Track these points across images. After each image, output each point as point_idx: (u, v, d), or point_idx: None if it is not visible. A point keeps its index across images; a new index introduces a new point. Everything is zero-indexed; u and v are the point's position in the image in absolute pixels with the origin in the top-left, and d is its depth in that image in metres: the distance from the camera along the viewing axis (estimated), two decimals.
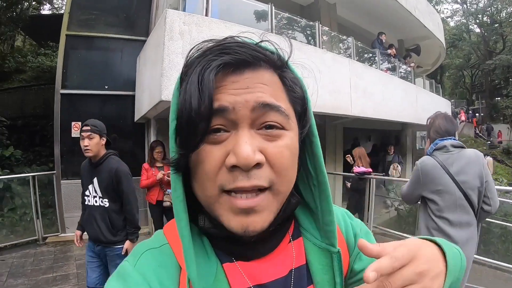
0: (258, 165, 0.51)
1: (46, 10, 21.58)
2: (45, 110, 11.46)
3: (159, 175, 4.89)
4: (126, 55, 7.35)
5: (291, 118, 0.57)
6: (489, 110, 33.83)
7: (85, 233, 3.22)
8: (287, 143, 0.55)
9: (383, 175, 9.35)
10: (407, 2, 10.47)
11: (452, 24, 39.29)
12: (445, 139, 2.68)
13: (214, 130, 0.52)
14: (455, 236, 2.54)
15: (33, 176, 6.49)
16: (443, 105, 12.89)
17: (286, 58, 0.60)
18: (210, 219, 0.58)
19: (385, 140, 12.32)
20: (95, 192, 3.05)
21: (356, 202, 6.87)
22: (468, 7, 35.28)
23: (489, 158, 17.22)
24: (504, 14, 31.58)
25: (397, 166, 9.42)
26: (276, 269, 0.60)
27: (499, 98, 34.92)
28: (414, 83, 10.95)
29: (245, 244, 0.58)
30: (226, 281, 0.56)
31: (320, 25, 7.43)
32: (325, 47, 7.50)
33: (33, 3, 16.33)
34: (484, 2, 33.09)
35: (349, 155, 7.09)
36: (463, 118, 28.07)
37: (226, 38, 0.55)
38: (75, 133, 6.74)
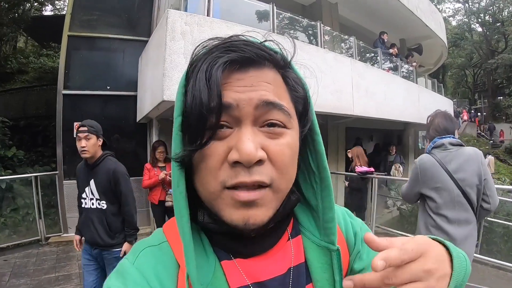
0: (259, 161, 0.52)
1: (48, 11, 21.65)
2: (47, 110, 11.49)
3: (161, 175, 4.90)
4: (128, 56, 7.37)
5: (293, 117, 0.58)
6: (491, 109, 33.72)
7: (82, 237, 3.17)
8: (288, 141, 0.56)
9: (385, 175, 9.33)
10: (409, 2, 10.44)
11: (454, 23, 39.20)
12: (444, 137, 2.71)
13: (218, 126, 0.53)
14: (453, 234, 2.56)
15: (36, 177, 6.51)
16: (445, 105, 12.85)
17: (289, 58, 0.60)
18: (210, 214, 0.59)
19: (387, 140, 12.29)
20: (92, 194, 2.99)
21: (354, 200, 6.85)
22: (470, 6, 35.18)
23: (491, 157, 17.22)
24: (506, 13, 31.50)
25: (399, 167, 9.39)
26: (275, 267, 0.60)
27: (501, 97, 34.84)
28: (416, 83, 10.93)
29: (244, 240, 0.59)
30: (224, 279, 0.57)
31: (321, 24, 7.42)
32: (327, 46, 7.48)
33: (35, 4, 16.40)
34: (486, 1, 33.02)
35: (350, 150, 7.12)
36: (465, 117, 27.97)
37: (232, 36, 0.56)
38: None
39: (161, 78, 4.72)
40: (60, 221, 6.72)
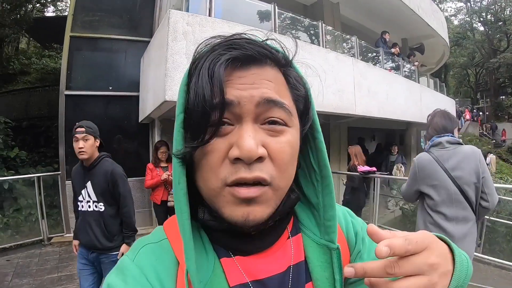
0: (260, 158, 0.52)
1: (49, 12, 21.76)
2: (49, 111, 11.52)
3: (164, 175, 4.91)
4: (130, 56, 7.39)
5: (294, 115, 0.58)
6: (493, 108, 33.64)
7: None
8: (289, 139, 0.56)
9: (387, 175, 9.31)
10: (411, 1, 10.43)
11: (456, 22, 39.10)
12: (442, 136, 2.74)
13: (220, 123, 0.53)
14: (452, 231, 2.59)
15: (38, 177, 6.52)
16: (448, 104, 12.82)
17: (291, 57, 0.61)
18: (210, 212, 0.59)
19: (389, 140, 12.29)
20: (89, 196, 2.91)
21: (352, 199, 6.81)
22: (472, 5, 35.13)
23: (492, 156, 17.19)
24: (508, 12, 31.41)
25: (401, 167, 9.37)
26: (274, 265, 0.60)
27: (503, 97, 34.76)
28: (418, 82, 10.91)
29: (244, 238, 0.59)
30: (224, 276, 0.57)
31: (323, 24, 7.43)
32: (328, 46, 7.48)
33: (37, 5, 16.43)
34: (488, 0, 32.94)
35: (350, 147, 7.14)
36: (468, 117, 27.90)
37: (234, 34, 0.57)
38: None
39: (163, 78, 4.72)
40: (62, 221, 6.73)
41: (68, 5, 15.40)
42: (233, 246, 0.60)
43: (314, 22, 7.57)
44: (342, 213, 0.75)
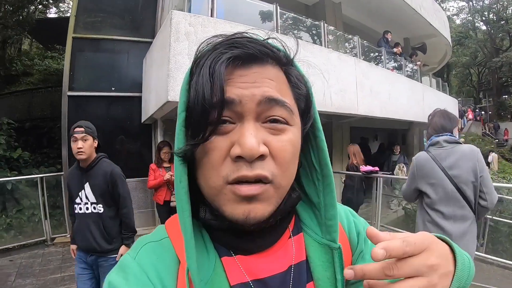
0: (261, 156, 0.52)
1: (52, 13, 21.82)
2: (52, 112, 11.57)
3: (167, 175, 4.91)
4: (132, 57, 7.40)
5: (295, 114, 0.58)
6: (496, 108, 33.54)
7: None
8: (290, 138, 0.56)
9: (390, 174, 9.29)
10: (413, 0, 10.42)
11: (458, 21, 39.00)
12: (440, 136, 2.78)
13: (220, 121, 0.53)
14: (449, 230, 2.62)
15: (41, 178, 6.56)
16: (450, 104, 12.81)
17: (292, 56, 0.61)
18: (211, 210, 0.59)
19: (392, 139, 12.27)
20: (87, 198, 2.84)
21: (350, 197, 6.80)
22: (474, 4, 34.96)
23: (494, 155, 17.16)
24: (510, 10, 31.28)
25: (403, 167, 9.35)
26: (275, 265, 0.60)
27: (506, 96, 34.66)
28: (421, 82, 10.91)
29: (245, 237, 0.59)
30: (224, 275, 0.57)
31: (325, 24, 7.42)
32: (330, 46, 7.48)
33: (39, 6, 16.48)
34: None
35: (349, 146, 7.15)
36: (470, 116, 27.84)
37: (235, 33, 0.57)
38: None
39: (166, 79, 4.73)
40: (65, 222, 6.74)
41: (70, 7, 15.48)
42: (234, 245, 0.60)
43: (316, 22, 7.57)
44: (344, 212, 0.75)
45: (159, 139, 6.42)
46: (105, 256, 2.87)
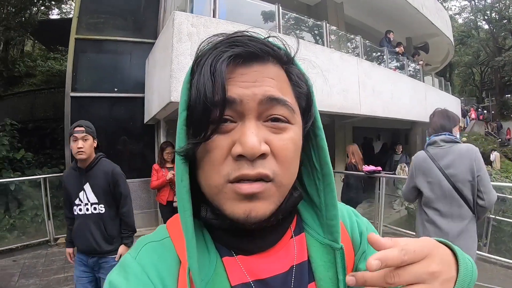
0: (263, 155, 0.52)
1: (54, 15, 21.88)
2: (55, 113, 11.59)
3: (169, 175, 4.92)
4: (135, 58, 7.43)
5: (296, 112, 0.58)
6: (499, 107, 33.40)
7: (74, 248, 3.00)
8: (291, 136, 0.56)
9: (392, 174, 9.27)
10: (414, 0, 10.41)
11: (460, 21, 38.89)
12: (438, 135, 2.82)
13: (222, 120, 0.53)
14: (446, 228, 2.66)
15: (44, 178, 6.56)
16: (453, 103, 12.78)
17: (292, 54, 0.61)
18: (212, 210, 0.59)
19: (394, 139, 12.24)
20: (87, 199, 2.79)
21: (349, 196, 6.79)
22: (476, 3, 34.86)
23: (496, 153, 17.08)
24: None
25: (404, 167, 9.32)
26: (277, 265, 0.60)
27: (509, 95, 34.51)
28: (423, 81, 10.87)
29: (246, 237, 0.59)
30: (225, 275, 0.57)
31: (327, 24, 7.42)
32: (333, 46, 7.48)
33: (42, 8, 16.52)
34: None
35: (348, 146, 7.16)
36: (473, 116, 27.73)
37: (236, 32, 0.57)
38: None
39: (168, 79, 4.74)
40: None
41: (72, 8, 15.51)
42: (235, 245, 0.60)
43: (318, 22, 7.57)
44: (347, 212, 0.75)
45: (162, 139, 6.43)
46: (106, 257, 2.84)
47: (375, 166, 6.53)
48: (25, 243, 6.14)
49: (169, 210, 5.09)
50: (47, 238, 6.30)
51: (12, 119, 9.22)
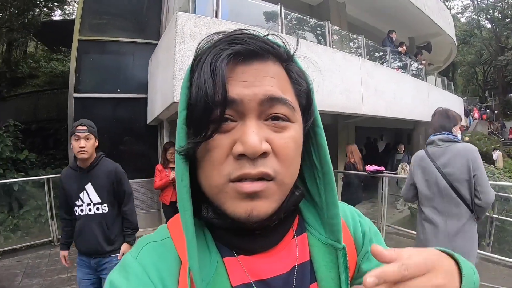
0: (264, 154, 0.52)
1: (57, 16, 21.92)
2: (58, 114, 11.64)
3: (172, 175, 4.93)
4: (138, 58, 7.44)
5: (297, 111, 0.58)
6: (502, 106, 33.29)
7: (69, 250, 2.98)
8: (292, 135, 0.56)
9: (395, 173, 9.25)
10: None
11: (463, 20, 38.81)
12: (437, 134, 2.86)
13: (222, 119, 0.53)
14: (442, 227, 2.70)
15: (48, 179, 6.57)
16: (456, 103, 12.74)
17: (292, 52, 0.61)
18: (213, 209, 0.58)
19: (397, 139, 12.23)
20: (90, 199, 2.73)
21: (348, 195, 6.78)
22: (479, 2, 34.76)
23: (499, 152, 17.00)
24: None
25: (406, 166, 9.30)
26: (279, 265, 0.59)
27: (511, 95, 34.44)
28: (426, 81, 10.84)
29: (248, 237, 0.58)
30: (226, 275, 0.56)
31: (330, 24, 7.42)
32: (335, 46, 7.47)
33: (45, 9, 16.56)
34: None
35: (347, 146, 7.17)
36: (476, 115, 27.65)
37: (235, 30, 0.57)
38: None
39: (171, 80, 4.75)
40: None
41: (75, 9, 15.54)
42: (236, 245, 0.59)
43: (321, 22, 7.57)
44: (350, 212, 0.74)
45: (165, 140, 6.45)
46: (109, 256, 2.81)
47: (378, 166, 6.52)
48: (28, 243, 6.15)
49: (172, 210, 5.10)
50: (50, 238, 6.30)
51: (15, 120, 9.24)
